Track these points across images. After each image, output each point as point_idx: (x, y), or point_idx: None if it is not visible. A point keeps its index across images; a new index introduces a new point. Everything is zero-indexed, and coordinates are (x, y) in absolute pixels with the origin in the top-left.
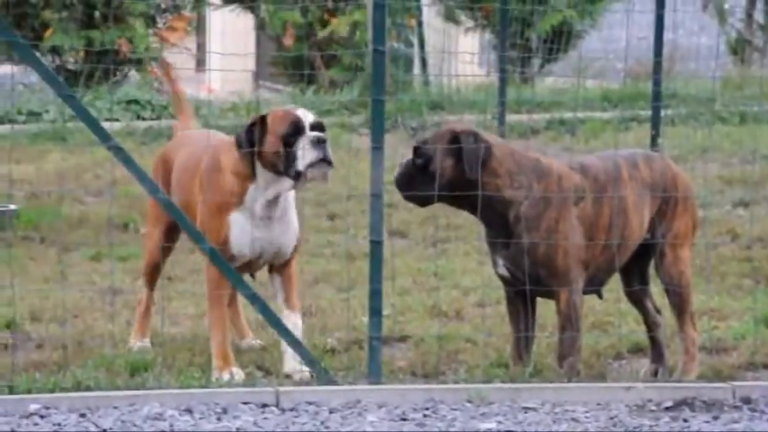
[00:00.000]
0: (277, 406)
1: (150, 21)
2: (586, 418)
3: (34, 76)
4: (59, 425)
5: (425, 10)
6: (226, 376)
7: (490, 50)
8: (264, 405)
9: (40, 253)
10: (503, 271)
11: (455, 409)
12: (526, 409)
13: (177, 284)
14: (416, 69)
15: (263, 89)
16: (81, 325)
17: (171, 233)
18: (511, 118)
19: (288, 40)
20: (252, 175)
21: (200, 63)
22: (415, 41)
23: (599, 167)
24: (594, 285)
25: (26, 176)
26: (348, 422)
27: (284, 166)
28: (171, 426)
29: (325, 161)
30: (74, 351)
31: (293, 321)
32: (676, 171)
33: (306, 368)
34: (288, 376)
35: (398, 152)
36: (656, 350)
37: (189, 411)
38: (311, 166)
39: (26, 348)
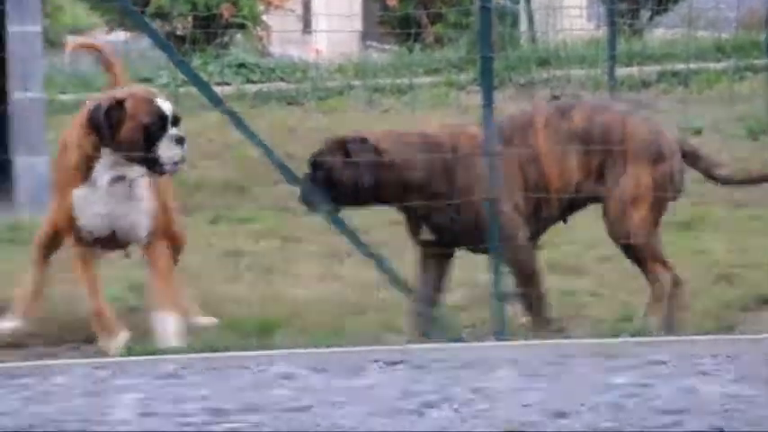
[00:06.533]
0: (406, 363)
1: None
2: (716, 370)
3: (145, 41)
4: (194, 384)
5: None
6: (113, 343)
7: (599, 3)
8: (393, 362)
9: None
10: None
11: (584, 364)
12: (655, 362)
13: (300, 245)
14: (523, 25)
15: (370, 49)
16: (205, 287)
17: None
18: (621, 71)
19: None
20: (97, 154)
21: (307, 25)
22: None
23: (505, 119)
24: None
25: None
26: (477, 379)
27: (142, 158)
28: (303, 384)
29: (184, 161)
30: (201, 312)
31: (162, 324)
32: (634, 126)
33: None
34: None
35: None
36: None
37: (319, 370)
38: (173, 164)
39: None
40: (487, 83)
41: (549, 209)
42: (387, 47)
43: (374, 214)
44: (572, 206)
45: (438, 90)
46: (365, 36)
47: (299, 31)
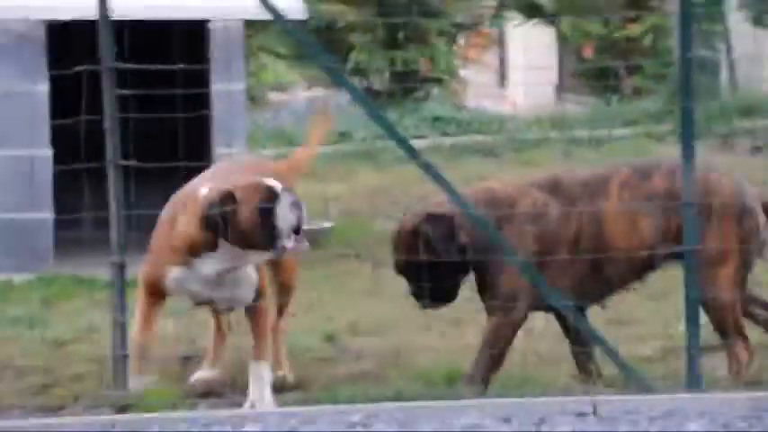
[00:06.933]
0: (594, 414)
1: (451, 39)
2: None
3: (343, 97)
4: None
5: (732, 15)
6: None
7: None
8: (582, 414)
9: (356, 268)
10: None
11: None
12: None
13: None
14: (723, 75)
15: (565, 101)
16: (396, 337)
17: None
18: None
19: (587, 51)
20: (213, 248)
21: (503, 78)
22: (723, 47)
23: (576, 181)
24: (586, 298)
25: (339, 194)
26: (668, 431)
27: (262, 241)
28: None
29: (304, 241)
30: (391, 362)
31: (256, 372)
32: (716, 184)
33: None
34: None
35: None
36: None
37: (507, 421)
38: (294, 241)
39: (346, 360)
40: (688, 133)
41: (616, 271)
42: (582, 98)
43: None
44: (649, 266)
45: (636, 141)
46: (561, 88)
47: (494, 85)
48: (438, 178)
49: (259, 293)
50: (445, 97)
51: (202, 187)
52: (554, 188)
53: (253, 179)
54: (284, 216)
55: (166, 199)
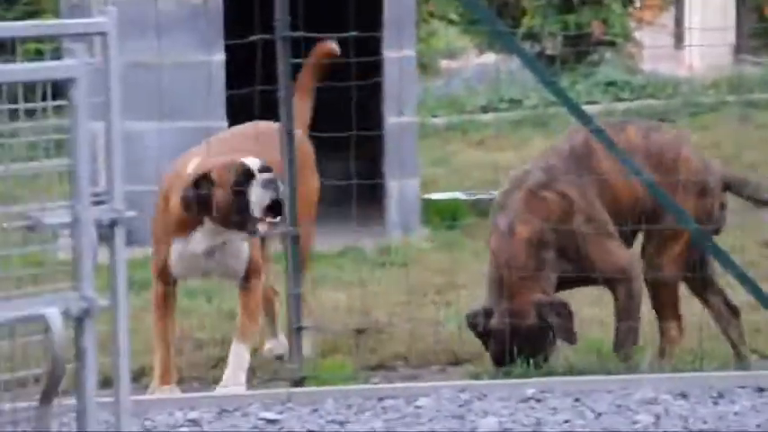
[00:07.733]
0: None
1: (626, 0)
2: None
3: (514, 63)
4: (555, 408)
5: None
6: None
7: None
8: (761, 389)
9: None
10: None
11: None
12: None
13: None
14: None
15: (743, 63)
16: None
17: None
18: None
19: None
20: (198, 224)
21: (679, 40)
22: None
23: (563, 153)
24: None
25: (510, 163)
26: None
27: (238, 221)
28: (666, 410)
29: (279, 215)
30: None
31: (236, 352)
32: (687, 156)
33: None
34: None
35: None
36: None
37: (683, 396)
38: (265, 210)
39: None
40: None
41: (622, 222)
42: (762, 60)
43: (746, 234)
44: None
45: None
46: (739, 50)
47: (670, 47)
48: (610, 145)
49: (251, 271)
50: (619, 61)
51: (190, 164)
52: (555, 171)
53: (230, 158)
54: (258, 196)
55: (339, 168)
